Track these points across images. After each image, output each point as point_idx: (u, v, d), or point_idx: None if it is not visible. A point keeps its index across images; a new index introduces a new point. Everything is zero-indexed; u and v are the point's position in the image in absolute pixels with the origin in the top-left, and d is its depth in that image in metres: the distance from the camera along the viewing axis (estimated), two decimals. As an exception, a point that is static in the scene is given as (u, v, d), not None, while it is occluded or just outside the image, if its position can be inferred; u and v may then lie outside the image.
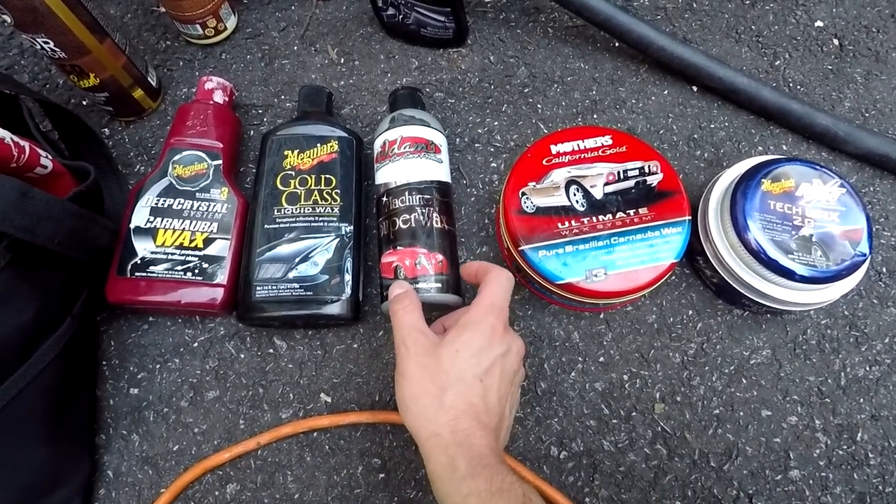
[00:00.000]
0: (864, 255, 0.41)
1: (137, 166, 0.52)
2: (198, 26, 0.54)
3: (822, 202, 0.43)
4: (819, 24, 0.60)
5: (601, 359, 0.46)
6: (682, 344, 0.47)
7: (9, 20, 0.40)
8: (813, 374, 0.46)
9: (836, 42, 0.59)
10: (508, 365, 0.36)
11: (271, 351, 0.46)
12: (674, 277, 0.49)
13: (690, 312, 0.48)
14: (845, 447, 0.44)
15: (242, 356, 0.46)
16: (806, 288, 0.42)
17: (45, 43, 0.42)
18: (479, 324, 0.35)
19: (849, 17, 0.61)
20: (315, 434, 0.44)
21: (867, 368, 0.46)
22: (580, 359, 0.46)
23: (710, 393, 0.45)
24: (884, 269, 0.49)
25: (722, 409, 0.45)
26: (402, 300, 0.37)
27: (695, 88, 0.56)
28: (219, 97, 0.50)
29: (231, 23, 0.57)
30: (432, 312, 0.44)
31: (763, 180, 0.43)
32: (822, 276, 0.41)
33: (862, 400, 0.45)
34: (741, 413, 0.45)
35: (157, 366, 0.45)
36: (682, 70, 0.54)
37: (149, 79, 0.52)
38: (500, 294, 0.37)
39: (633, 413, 0.45)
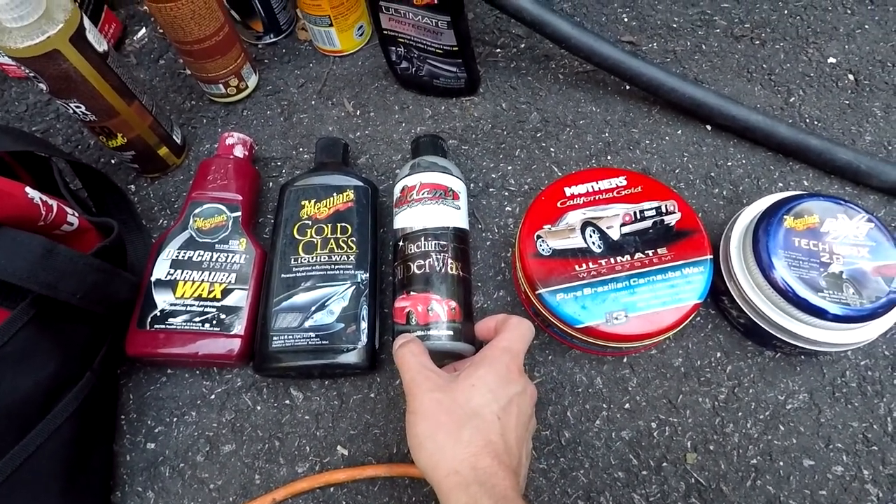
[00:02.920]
0: (900, 291, 0.40)
1: (161, 220, 0.53)
2: (221, 86, 0.56)
3: (850, 238, 0.41)
4: (832, 60, 0.60)
5: (627, 405, 0.44)
6: (712, 388, 0.45)
7: (45, 88, 0.43)
8: (856, 419, 0.43)
9: (851, 77, 0.59)
10: (524, 407, 0.34)
11: (287, 402, 0.45)
12: (699, 319, 0.47)
13: (719, 355, 0.46)
14: (899, 500, 0.41)
15: (259, 408, 0.45)
16: (840, 327, 0.40)
17: (77, 107, 0.45)
18: (494, 361, 0.34)
19: (862, 52, 0.60)
20: (332, 489, 0.42)
21: (915, 413, 0.43)
22: (605, 406, 0.44)
23: (746, 441, 0.43)
24: (923, 306, 0.47)
25: (759, 459, 0.42)
26: (409, 344, 0.37)
27: (709, 127, 0.56)
28: (239, 152, 0.51)
29: (252, 81, 0.59)
30: (443, 360, 0.43)
31: (785, 217, 0.42)
32: (857, 315, 0.39)
33: (913, 447, 0.42)
34: (781, 463, 0.42)
35: (175, 419, 0.45)
36: (694, 110, 0.54)
37: (174, 136, 0.54)
38: (519, 339, 0.36)
39: (664, 463, 0.42)
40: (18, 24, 0.39)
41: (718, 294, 0.46)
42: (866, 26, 0.62)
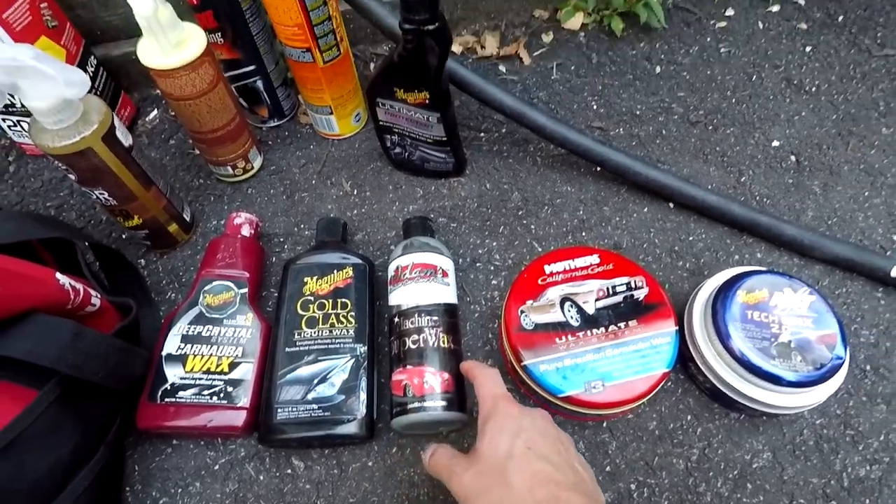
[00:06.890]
0: (841, 357, 0.45)
1: (169, 293, 0.57)
2: (229, 168, 0.61)
3: (795, 310, 0.47)
4: (776, 143, 0.68)
5: (607, 468, 0.48)
6: (685, 450, 0.48)
7: (74, 178, 0.47)
8: (815, 475, 0.47)
9: (793, 158, 0.67)
10: (544, 429, 0.36)
11: (289, 471, 0.48)
12: (670, 383, 0.51)
13: (689, 417, 0.50)
14: (857, 553, 0.44)
15: (261, 478, 0.47)
16: (794, 392, 0.45)
17: (101, 194, 0.49)
18: (492, 412, 0.37)
19: (801, 136, 0.68)
20: (331, 557, 0.44)
21: (868, 468, 0.48)
22: (587, 468, 0.48)
23: (717, 500, 0.46)
24: (867, 367, 0.52)
25: (730, 517, 0.46)
26: (437, 451, 0.39)
27: (671, 205, 0.62)
28: (246, 231, 0.56)
29: (257, 162, 0.64)
30: (438, 428, 0.47)
31: (738, 291, 0.48)
32: (806, 380, 0.44)
33: (868, 501, 0.46)
34: (750, 520, 0.46)
35: (179, 490, 0.47)
36: (657, 190, 0.60)
37: (184, 215, 0.58)
38: (494, 385, 0.39)
39: (644, 523, 0.45)
40: (58, 126, 0.43)
41: (686, 360, 0.51)
42: (803, 113, 0.71)
